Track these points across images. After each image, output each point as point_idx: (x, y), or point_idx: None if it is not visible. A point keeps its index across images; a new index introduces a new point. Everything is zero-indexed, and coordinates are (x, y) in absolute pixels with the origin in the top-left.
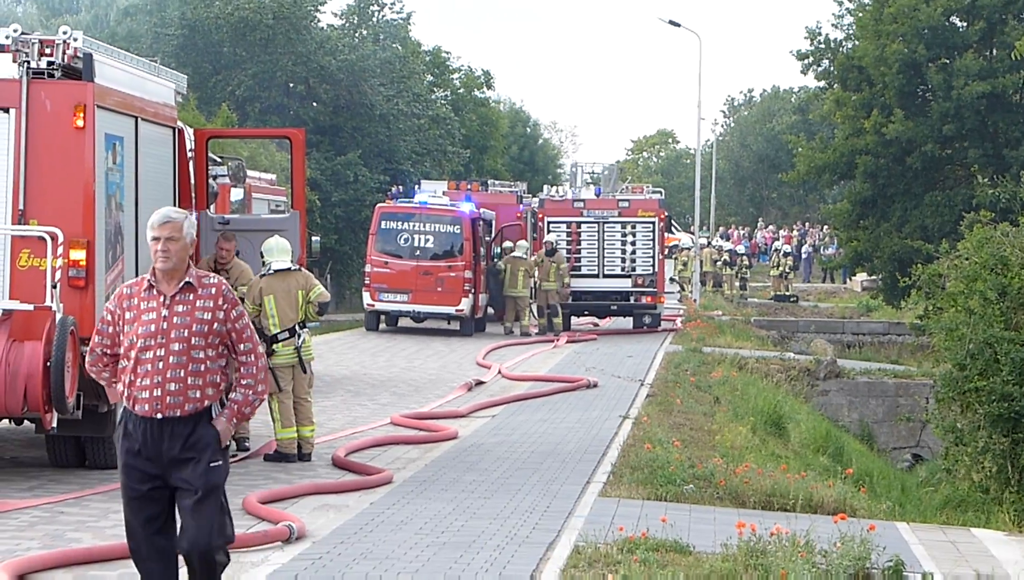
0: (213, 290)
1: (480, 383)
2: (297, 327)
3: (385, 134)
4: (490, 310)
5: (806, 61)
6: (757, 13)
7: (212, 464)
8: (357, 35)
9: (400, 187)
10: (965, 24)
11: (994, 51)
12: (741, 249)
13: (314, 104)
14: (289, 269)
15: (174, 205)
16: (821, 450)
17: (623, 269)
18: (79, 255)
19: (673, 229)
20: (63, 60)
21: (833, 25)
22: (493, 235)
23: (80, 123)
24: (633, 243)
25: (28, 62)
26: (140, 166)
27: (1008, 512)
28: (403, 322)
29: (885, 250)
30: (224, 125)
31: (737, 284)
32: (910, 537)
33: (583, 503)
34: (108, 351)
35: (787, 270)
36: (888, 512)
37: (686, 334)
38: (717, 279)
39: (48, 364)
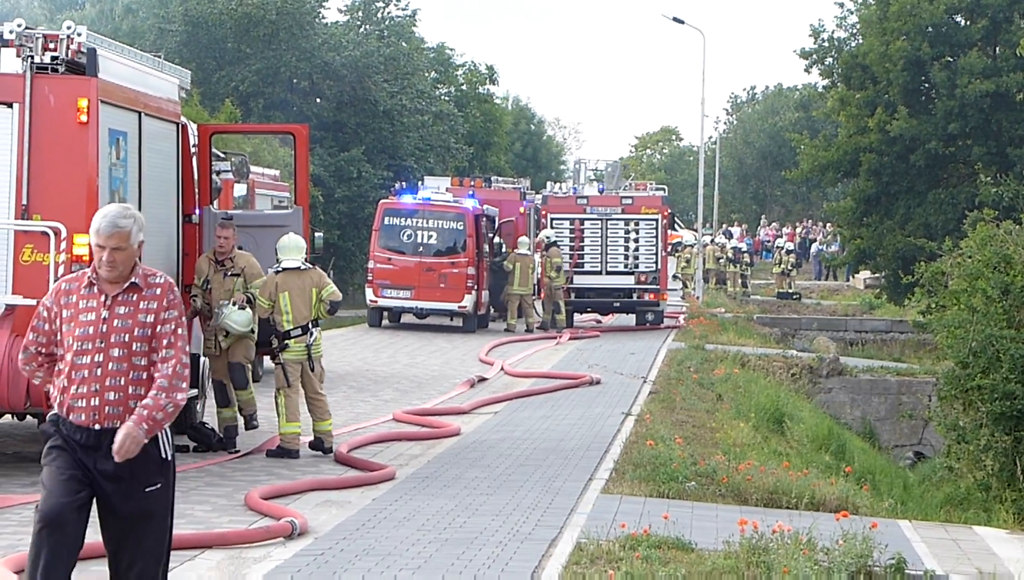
0: (159, 291)
1: (483, 380)
2: (309, 325)
3: (389, 130)
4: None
5: (810, 59)
6: (761, 10)
7: (148, 489)
8: (361, 31)
9: (403, 183)
10: (968, 22)
11: (998, 49)
12: (744, 246)
13: (318, 100)
14: (302, 267)
15: (178, 201)
16: (823, 448)
17: (626, 266)
18: (82, 250)
19: (676, 226)
20: (67, 55)
21: (837, 24)
22: (495, 231)
23: (84, 118)
24: (636, 240)
25: (32, 57)
26: (143, 161)
27: (1010, 510)
28: (406, 318)
29: (888, 248)
30: (227, 121)
31: (740, 281)
32: (912, 535)
33: (585, 500)
34: (44, 350)
35: (789, 267)
36: (890, 510)
37: (689, 331)
38: (720, 276)
39: None
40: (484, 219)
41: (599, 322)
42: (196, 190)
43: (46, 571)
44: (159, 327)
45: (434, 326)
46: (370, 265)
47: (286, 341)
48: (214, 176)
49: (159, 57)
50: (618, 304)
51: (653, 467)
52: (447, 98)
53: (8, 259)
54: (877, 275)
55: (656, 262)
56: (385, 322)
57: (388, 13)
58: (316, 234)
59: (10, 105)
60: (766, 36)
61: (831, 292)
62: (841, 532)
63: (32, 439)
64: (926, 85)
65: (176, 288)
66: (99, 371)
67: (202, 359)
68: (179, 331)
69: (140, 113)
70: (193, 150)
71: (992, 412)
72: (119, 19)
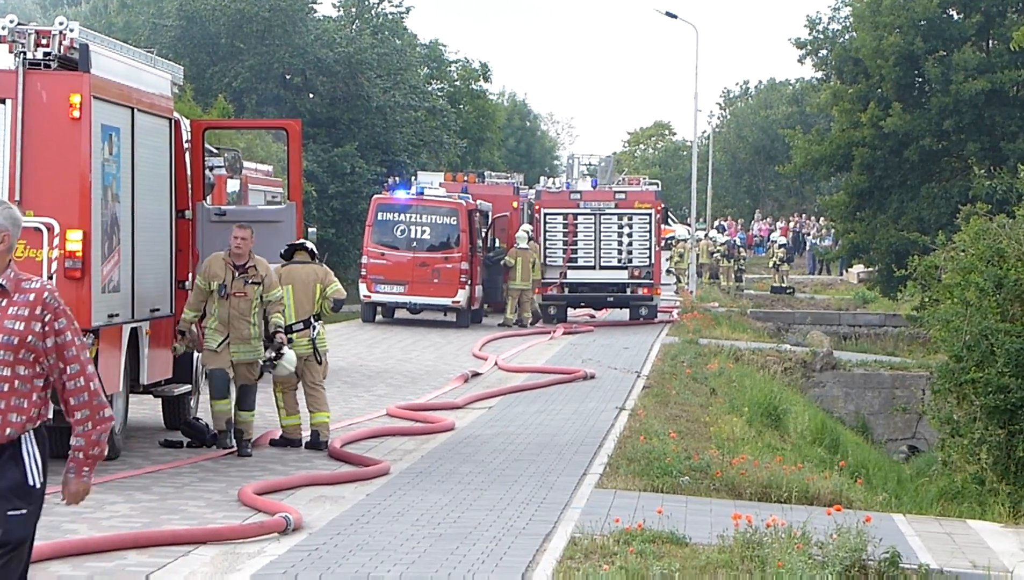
0: (32, 297)
1: (476, 375)
2: (312, 319)
3: (382, 126)
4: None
5: (805, 49)
6: (754, 4)
7: (11, 513)
8: (354, 27)
9: (397, 179)
10: (962, 16)
11: (991, 43)
12: (737, 241)
13: (311, 96)
14: (308, 261)
15: (171, 196)
16: (817, 442)
17: (619, 261)
18: (75, 246)
19: (669, 221)
20: (59, 51)
21: (830, 18)
22: (489, 226)
23: (76, 114)
24: (630, 235)
25: (24, 52)
26: (136, 157)
27: (1004, 504)
28: (399, 313)
29: (881, 242)
30: (221, 116)
31: (733, 276)
32: (906, 529)
33: (579, 495)
34: None
35: (779, 261)
36: (884, 504)
37: (682, 326)
38: (713, 271)
39: None
40: (477, 214)
41: (593, 317)
42: (189, 186)
43: None
44: (46, 340)
45: (428, 321)
46: (364, 260)
47: (288, 335)
48: (207, 172)
49: (152, 53)
50: (612, 299)
51: (647, 462)
52: (440, 94)
53: None
54: (870, 269)
55: (649, 257)
56: (379, 317)
57: (381, 9)
58: (309, 230)
59: (2, 101)
60: (759, 30)
61: (824, 286)
62: (835, 526)
63: None
64: (920, 80)
65: (57, 293)
66: None
67: (195, 354)
68: (76, 341)
69: (133, 109)
70: (186, 146)
71: (986, 406)
72: (113, 14)
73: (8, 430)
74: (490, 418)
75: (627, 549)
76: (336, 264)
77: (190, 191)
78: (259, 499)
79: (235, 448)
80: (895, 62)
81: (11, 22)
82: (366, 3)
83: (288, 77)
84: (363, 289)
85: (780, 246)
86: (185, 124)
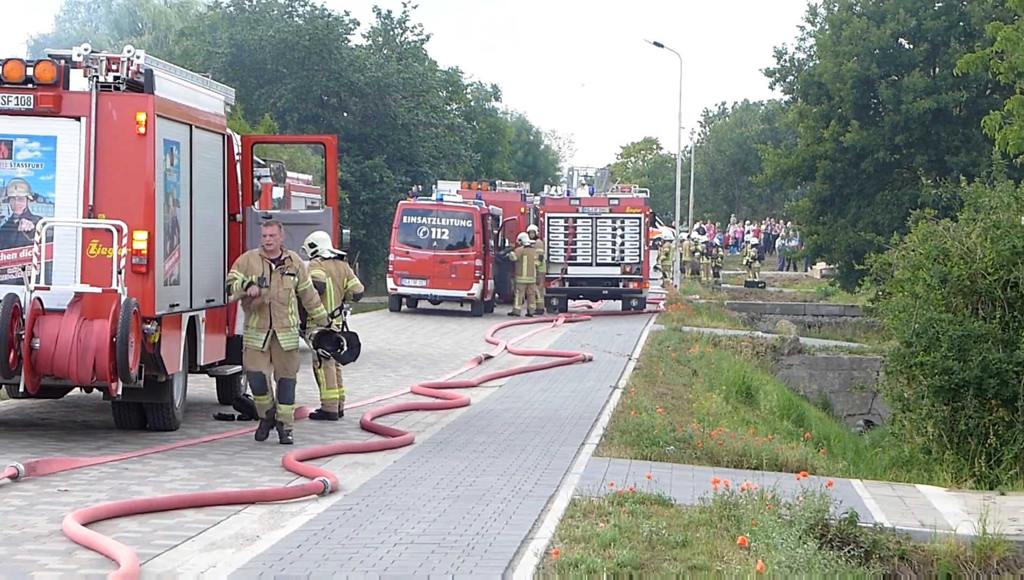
0: None
1: (489, 357)
2: (339, 309)
3: (406, 141)
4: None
5: (773, 77)
6: (731, 34)
7: None
8: (382, 54)
9: (419, 187)
10: (912, 45)
11: (937, 69)
12: (716, 241)
13: (345, 115)
14: (338, 257)
15: (224, 202)
16: (785, 416)
17: (613, 258)
18: (141, 245)
19: (656, 224)
20: (127, 75)
21: (796, 48)
22: (500, 228)
23: (142, 130)
24: (622, 236)
25: (97, 77)
26: (194, 167)
27: (948, 471)
28: (422, 304)
29: (841, 243)
30: (267, 132)
31: (712, 272)
32: (863, 492)
33: (578, 462)
34: None
35: (751, 259)
36: (844, 471)
37: (668, 315)
38: (695, 267)
39: (114, 340)
40: (490, 218)
41: (590, 307)
42: (240, 193)
43: None
44: None
45: (446, 311)
46: (391, 258)
47: (331, 320)
48: (255, 180)
49: (207, 76)
50: (606, 292)
51: (637, 433)
52: (457, 113)
53: (77, 253)
54: (832, 267)
55: (639, 255)
56: (404, 307)
57: (405, 38)
58: (344, 231)
59: (78, 119)
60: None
61: (791, 281)
62: (801, 490)
63: (98, 409)
64: (874, 101)
65: None
66: None
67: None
68: None
69: (191, 126)
70: (237, 158)
71: (932, 385)
72: (173, 43)
73: None
74: (501, 395)
75: (620, 509)
76: (367, 261)
77: (240, 197)
78: (300, 465)
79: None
80: (853, 85)
81: (85, 50)
82: (391, 33)
83: (325, 98)
84: (390, 283)
85: (753, 246)
86: (236, 139)
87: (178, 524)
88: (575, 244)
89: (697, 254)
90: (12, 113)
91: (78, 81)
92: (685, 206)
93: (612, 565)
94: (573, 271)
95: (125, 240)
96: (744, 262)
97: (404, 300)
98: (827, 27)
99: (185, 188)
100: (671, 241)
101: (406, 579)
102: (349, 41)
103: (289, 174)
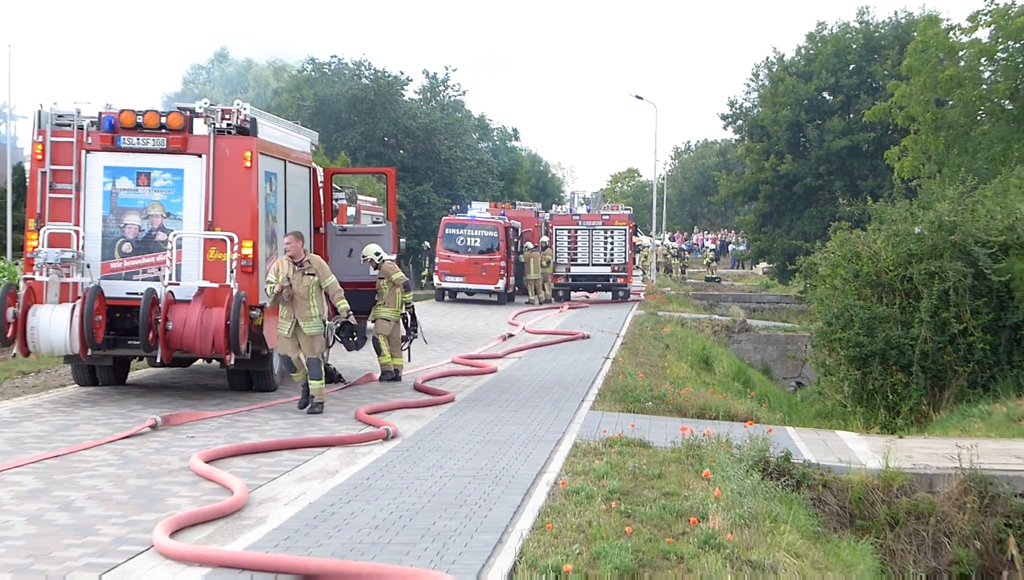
0: None
1: (511, 336)
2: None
3: (447, 171)
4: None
5: (727, 121)
6: (695, 88)
7: None
8: (430, 106)
9: (457, 206)
10: (831, 97)
11: (851, 115)
12: (683, 247)
13: (401, 151)
14: (390, 259)
15: (310, 218)
16: (736, 379)
17: (605, 260)
18: (247, 251)
19: (638, 234)
20: (237, 122)
21: (744, 98)
22: (519, 237)
23: (248, 164)
24: (611, 243)
25: (214, 124)
26: (288, 192)
27: (859, 420)
28: (460, 296)
29: (778, 247)
30: (342, 165)
31: (680, 270)
32: (795, 437)
33: (579, 415)
34: None
35: (710, 260)
36: (780, 420)
37: (647, 303)
38: (667, 267)
39: (228, 323)
40: (511, 229)
41: (587, 297)
42: (323, 211)
43: None
44: None
45: (478, 301)
46: (436, 260)
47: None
48: (334, 202)
49: (297, 123)
50: (600, 285)
51: (623, 393)
52: (486, 150)
53: (200, 257)
54: (771, 265)
55: (625, 257)
56: (446, 298)
57: (447, 94)
58: (401, 240)
59: (200, 155)
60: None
61: (741, 277)
62: (748, 435)
63: (216, 375)
64: (803, 140)
65: None
66: None
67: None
68: None
69: (285, 161)
70: (320, 185)
71: (847, 355)
72: (271, 98)
73: None
74: (520, 364)
75: (611, 450)
76: (419, 262)
77: (323, 215)
78: (369, 417)
79: (346, 384)
80: (787, 128)
81: (205, 103)
82: (437, 89)
83: (386, 139)
84: (436, 279)
85: (711, 250)
86: (319, 171)
87: (277, 462)
88: (576, 249)
89: (669, 256)
90: (150, 151)
91: (200, 127)
92: (660, 220)
93: (605, 492)
94: (574, 270)
95: (236, 247)
96: (704, 262)
97: (446, 293)
98: (767, 83)
99: (281, 208)
100: (649, 247)
101: (450, 501)
102: (404, 95)
103: (360, 197)
